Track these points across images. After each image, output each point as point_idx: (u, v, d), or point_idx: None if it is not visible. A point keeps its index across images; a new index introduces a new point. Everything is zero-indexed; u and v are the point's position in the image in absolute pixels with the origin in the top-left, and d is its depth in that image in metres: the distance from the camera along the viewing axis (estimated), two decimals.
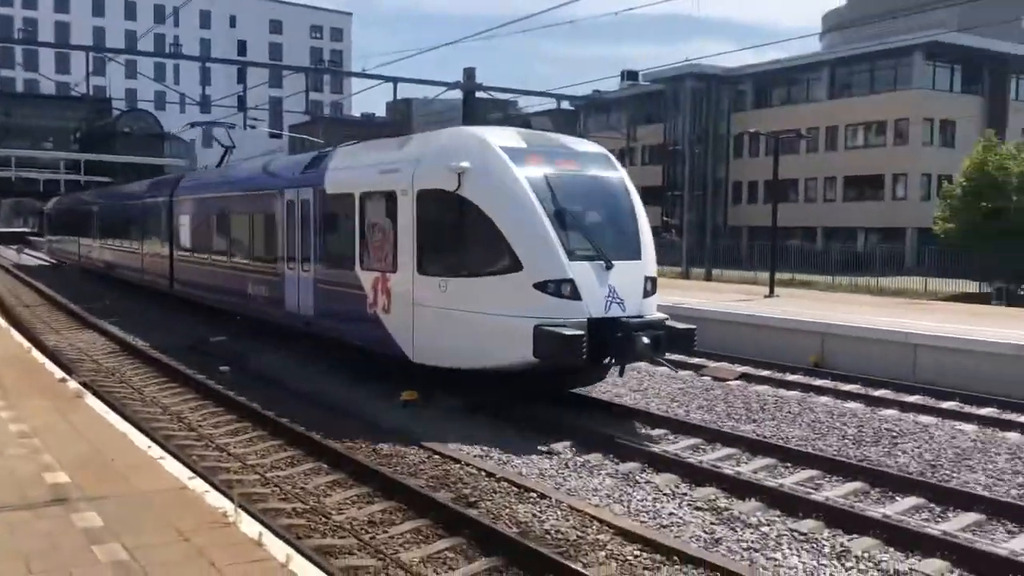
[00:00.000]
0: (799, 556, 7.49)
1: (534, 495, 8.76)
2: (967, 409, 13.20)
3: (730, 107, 62.09)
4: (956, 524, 8.33)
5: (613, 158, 13.44)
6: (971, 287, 33.18)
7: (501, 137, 12.39)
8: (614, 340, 11.28)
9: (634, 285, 11.85)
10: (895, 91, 52.64)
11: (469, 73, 24.03)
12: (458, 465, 9.79)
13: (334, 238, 15.17)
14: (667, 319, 12.13)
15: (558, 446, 10.79)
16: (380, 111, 78.29)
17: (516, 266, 11.43)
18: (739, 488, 9.17)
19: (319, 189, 15.36)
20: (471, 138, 12.68)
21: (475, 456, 10.25)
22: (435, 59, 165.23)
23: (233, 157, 26.01)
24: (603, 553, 7.32)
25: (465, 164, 11.73)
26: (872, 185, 53.39)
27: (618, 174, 12.97)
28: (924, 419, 12.33)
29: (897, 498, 9.04)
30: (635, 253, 12.19)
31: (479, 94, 23.93)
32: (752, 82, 61.61)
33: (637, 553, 7.34)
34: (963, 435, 11.59)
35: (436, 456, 10.16)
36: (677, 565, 7.11)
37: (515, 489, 8.94)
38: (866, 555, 7.50)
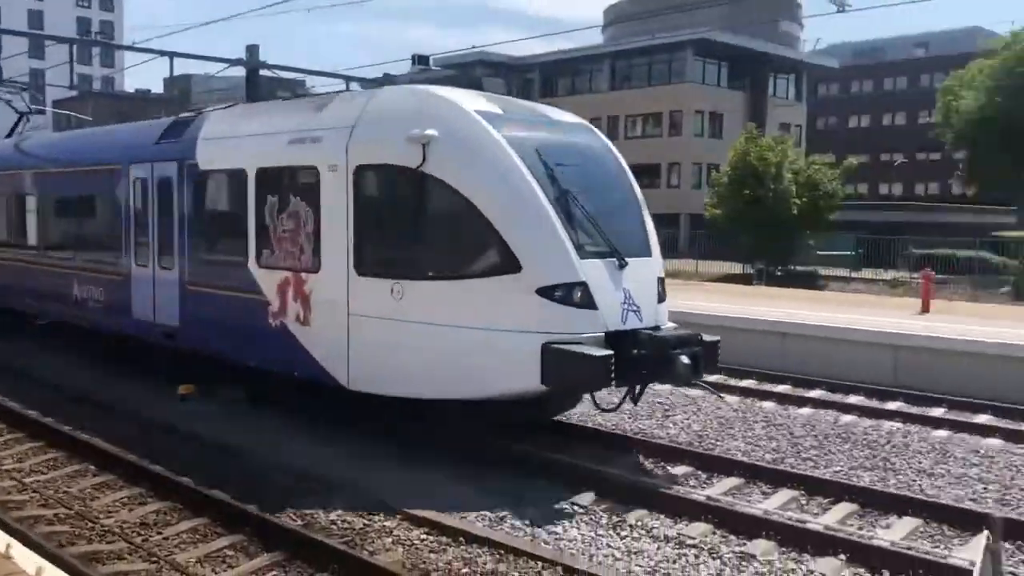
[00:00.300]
0: (579, 528, 7.84)
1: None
2: (731, 382, 14.26)
3: (518, 96, 63.34)
4: (719, 488, 8.99)
5: (596, 130, 11.17)
6: (736, 268, 35.88)
7: (472, 100, 9.78)
8: (642, 359, 9.07)
9: (648, 288, 9.67)
10: (669, 84, 55.94)
11: (252, 50, 22.96)
12: (240, 460, 9.46)
13: (212, 227, 12.02)
14: (698, 334, 9.75)
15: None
16: (157, 87, 73.70)
17: (511, 266, 8.86)
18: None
19: (187, 164, 12.09)
20: (435, 100, 9.80)
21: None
22: (217, 34, 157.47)
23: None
24: None
25: (432, 132, 9.12)
26: (650, 174, 56.45)
27: (610, 148, 10.72)
28: (692, 392, 13.20)
29: (669, 467, 9.63)
30: (645, 247, 10.03)
31: (264, 72, 22.99)
32: (539, 71, 63.36)
33: None
34: (727, 406, 12.53)
35: (216, 450, 9.76)
36: None
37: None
38: (639, 523, 7.96)
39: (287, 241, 10.55)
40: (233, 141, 11.64)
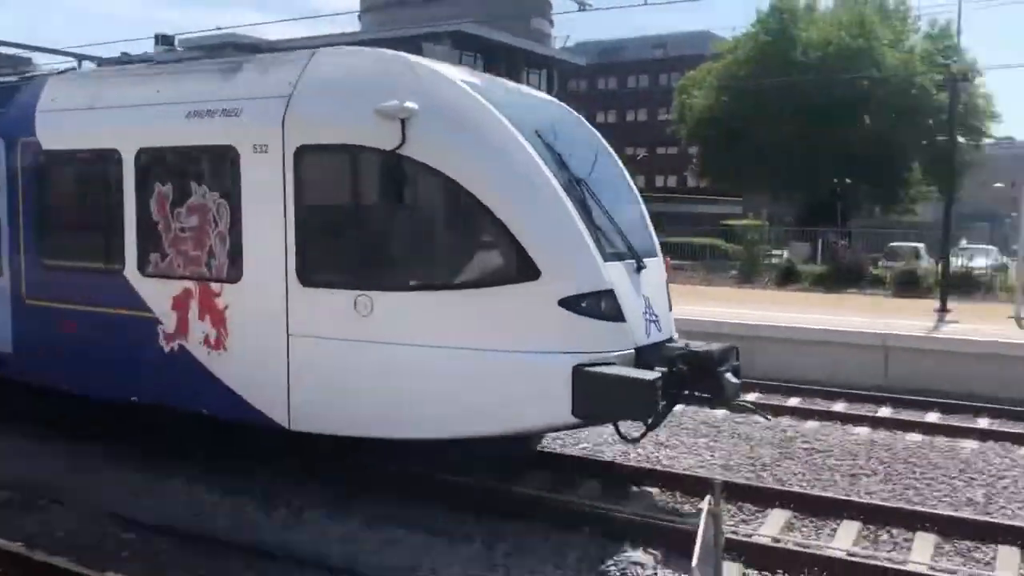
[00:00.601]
0: None
1: None
2: None
3: None
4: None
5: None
6: None
7: (451, 69, 8.11)
8: (683, 378, 7.75)
9: (662, 294, 8.47)
10: None
11: None
12: None
13: (63, 224, 9.63)
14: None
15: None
16: None
17: (528, 272, 7.18)
18: None
19: (21, 143, 9.58)
20: (411, 66, 7.84)
21: None
22: None
23: None
24: None
25: (412, 105, 7.27)
26: None
27: (594, 131, 9.41)
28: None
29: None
30: (652, 247, 8.74)
31: None
32: None
33: None
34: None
35: None
36: None
37: None
38: None
39: (188, 242, 8.34)
40: (95, 114, 9.09)
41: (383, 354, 7.46)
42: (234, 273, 8.09)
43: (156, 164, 8.66)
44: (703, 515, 5.25)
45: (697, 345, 8.19)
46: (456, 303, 7.38)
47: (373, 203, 7.92)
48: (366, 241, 7.81)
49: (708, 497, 5.36)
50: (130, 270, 8.75)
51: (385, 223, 7.85)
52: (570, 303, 7.20)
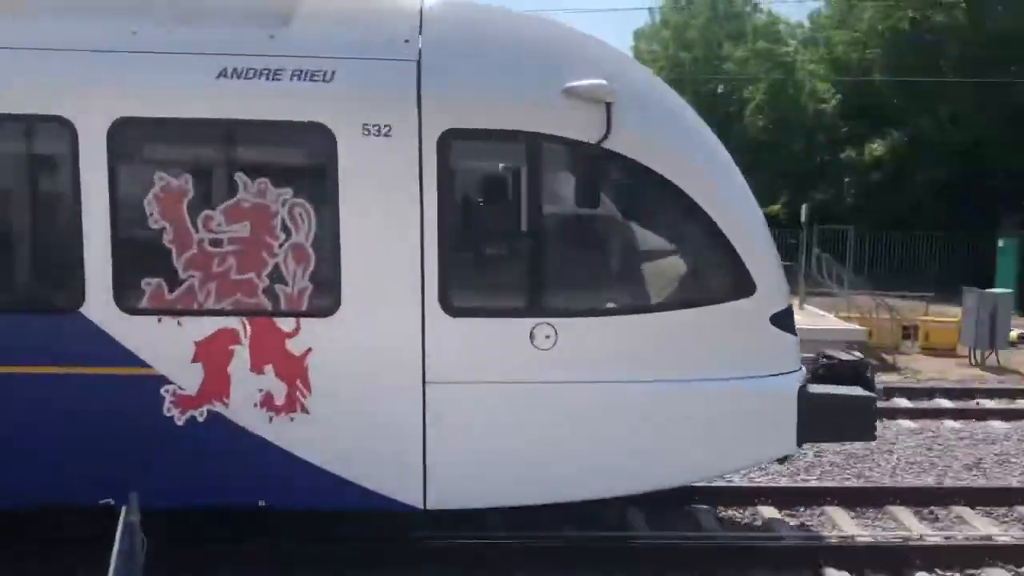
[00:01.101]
0: None
1: None
2: None
3: None
4: None
5: None
6: None
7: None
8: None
9: None
10: None
11: None
12: None
13: None
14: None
15: None
16: None
17: (745, 287, 6.06)
18: None
19: None
20: (581, 36, 6.30)
21: None
22: None
23: None
24: None
25: (620, 87, 5.78)
26: None
27: None
28: None
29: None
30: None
31: None
32: None
33: None
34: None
35: None
36: None
37: None
38: None
39: (226, 259, 5.74)
40: (25, 56, 5.70)
41: (569, 396, 5.95)
42: (323, 303, 5.78)
43: (155, 142, 5.95)
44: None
45: (833, 355, 7.25)
46: (663, 327, 6.03)
47: (562, 208, 6.18)
48: (549, 255, 6.03)
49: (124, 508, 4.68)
50: (96, 305, 5.69)
51: (577, 233, 6.24)
52: (779, 320, 6.20)
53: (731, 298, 6.07)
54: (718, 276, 6.18)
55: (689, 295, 6.18)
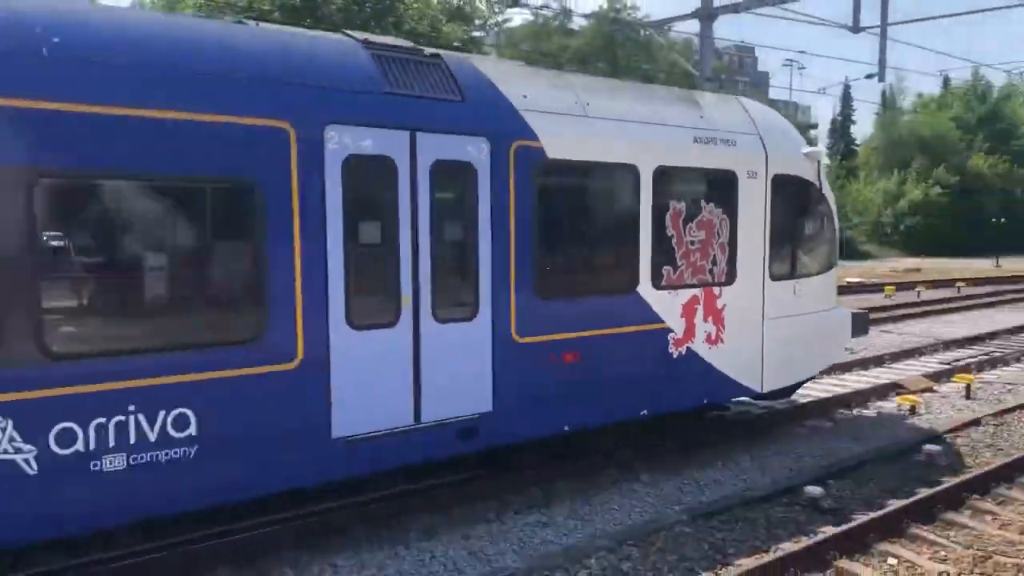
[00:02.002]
0: None
1: None
2: None
3: None
4: None
5: None
6: None
7: None
8: None
9: None
10: None
11: None
12: None
13: (566, 242, 8.78)
14: None
15: None
16: None
17: (835, 260, 11.80)
18: None
19: (517, 147, 8.07)
20: (786, 122, 11.48)
21: None
22: None
23: None
24: None
25: (820, 149, 11.41)
26: None
27: None
28: None
29: None
30: None
31: None
32: None
33: None
34: None
35: None
36: None
37: None
38: None
39: (696, 254, 9.58)
40: (597, 124, 8.66)
41: (805, 321, 10.91)
42: (730, 277, 9.98)
43: (670, 182, 9.29)
44: None
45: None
46: (822, 281, 11.35)
47: (804, 220, 11.12)
48: (798, 245, 10.96)
49: None
50: (644, 286, 9.11)
51: (809, 234, 11.21)
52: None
53: (832, 267, 11.59)
54: (832, 254, 11.54)
55: (826, 265, 11.46)
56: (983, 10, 20.44)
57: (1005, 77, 73.41)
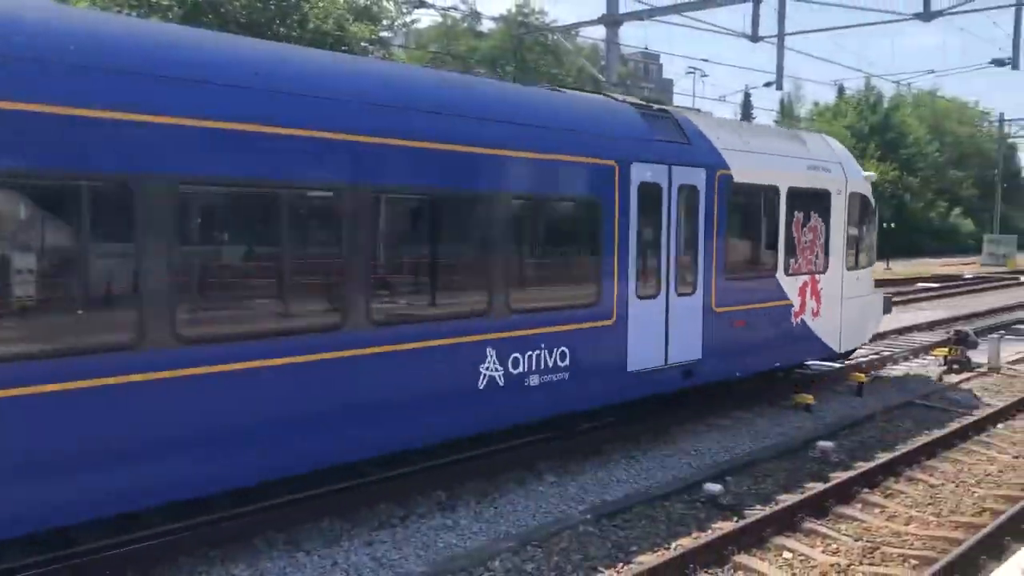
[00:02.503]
0: None
1: None
2: None
3: None
4: None
5: None
6: None
7: None
8: None
9: None
10: None
11: None
12: None
13: (739, 242, 12.41)
14: None
15: None
16: None
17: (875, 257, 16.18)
18: None
19: (719, 175, 11.57)
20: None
21: None
22: None
23: None
24: None
25: (872, 174, 16.69)
26: None
27: None
28: None
29: None
30: None
31: None
32: None
33: None
34: None
35: None
36: None
37: None
38: None
39: (807, 251, 13.35)
40: (755, 157, 12.48)
41: (863, 301, 14.89)
42: (825, 268, 13.78)
43: (795, 198, 13.01)
44: None
45: None
46: (867, 274, 15.29)
47: (863, 226, 14.91)
48: (860, 245, 14.81)
49: None
50: (780, 273, 12.87)
51: (865, 236, 15.01)
52: None
53: (874, 262, 15.73)
54: (874, 252, 15.65)
55: (872, 260, 15.56)
56: (874, 23, 21.31)
57: (894, 88, 76.89)
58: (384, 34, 36.10)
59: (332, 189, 7.54)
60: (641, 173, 10.45)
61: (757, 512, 8.55)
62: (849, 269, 14.36)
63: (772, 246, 12.72)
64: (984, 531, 8.00)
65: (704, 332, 11.48)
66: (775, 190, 12.65)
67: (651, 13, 22.10)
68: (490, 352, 8.75)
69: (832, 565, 7.50)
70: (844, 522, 8.64)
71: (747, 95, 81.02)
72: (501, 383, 8.86)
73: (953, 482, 9.98)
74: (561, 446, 10.45)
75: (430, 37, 52.08)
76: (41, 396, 5.82)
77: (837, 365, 15.68)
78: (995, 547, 7.79)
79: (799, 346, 13.44)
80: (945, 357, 17.07)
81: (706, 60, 50.47)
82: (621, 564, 7.46)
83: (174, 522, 7.41)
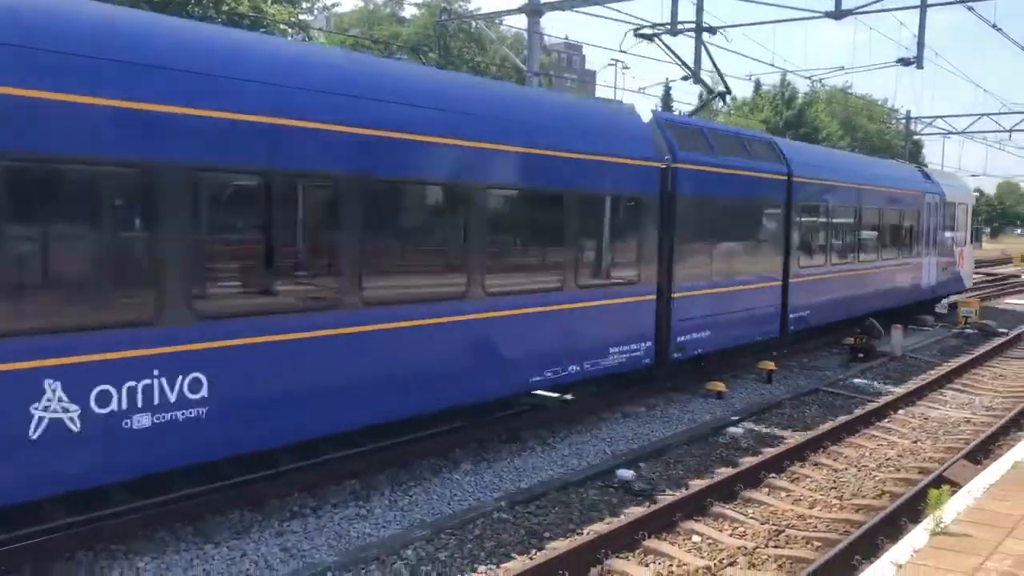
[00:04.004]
0: None
1: None
2: None
3: None
4: None
5: None
6: None
7: None
8: None
9: None
10: None
11: None
12: None
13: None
14: None
15: None
16: None
17: None
18: None
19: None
20: None
21: None
22: None
23: None
24: None
25: (972, 192, 25.34)
26: None
27: None
28: None
29: None
30: None
31: None
32: None
33: None
34: None
35: None
36: None
37: None
38: None
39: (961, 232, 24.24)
40: (947, 187, 24.79)
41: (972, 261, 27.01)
42: (963, 242, 26.70)
43: (951, 207, 24.60)
44: None
45: None
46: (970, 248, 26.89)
47: (966, 220, 26.84)
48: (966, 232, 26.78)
49: None
50: (962, 247, 26.17)
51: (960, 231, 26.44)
52: None
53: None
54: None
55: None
56: (788, 20, 21.76)
57: (808, 84, 78.91)
58: (304, 17, 35.43)
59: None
60: (932, 199, 23.14)
61: (668, 497, 8.70)
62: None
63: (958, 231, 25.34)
64: (883, 513, 8.31)
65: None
66: (952, 204, 24.55)
67: (571, 3, 22.13)
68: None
69: (739, 548, 7.68)
70: (752, 506, 8.86)
71: (667, 88, 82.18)
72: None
73: (855, 466, 10.33)
74: (478, 434, 10.44)
75: (351, 21, 51.33)
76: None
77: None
78: (893, 528, 8.09)
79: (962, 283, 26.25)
80: (851, 346, 17.71)
81: (626, 52, 50.93)
82: (534, 550, 7.50)
83: (67, 517, 7.16)
